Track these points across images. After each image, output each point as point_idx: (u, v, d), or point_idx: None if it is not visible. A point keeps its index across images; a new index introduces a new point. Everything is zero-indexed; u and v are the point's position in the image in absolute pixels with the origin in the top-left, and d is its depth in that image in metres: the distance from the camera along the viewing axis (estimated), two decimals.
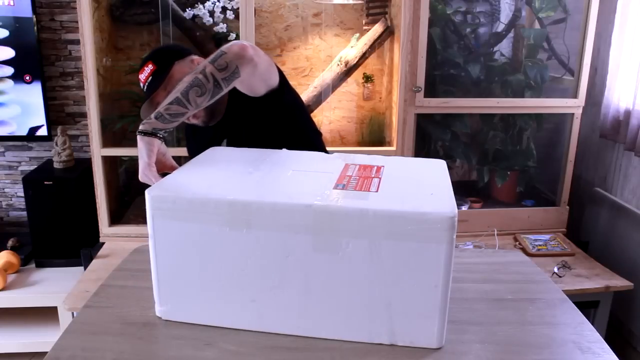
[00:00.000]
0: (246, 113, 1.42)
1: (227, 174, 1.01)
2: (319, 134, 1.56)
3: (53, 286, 2.17)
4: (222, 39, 2.40)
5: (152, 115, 1.08)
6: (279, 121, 1.40)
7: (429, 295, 0.86)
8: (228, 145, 1.45)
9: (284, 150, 1.15)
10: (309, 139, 1.49)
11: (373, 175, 0.99)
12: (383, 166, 1.05)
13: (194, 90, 1.08)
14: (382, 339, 0.89)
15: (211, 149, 1.18)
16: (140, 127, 1.07)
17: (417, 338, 0.89)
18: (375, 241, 0.83)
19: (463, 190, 2.65)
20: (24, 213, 2.47)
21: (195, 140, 1.57)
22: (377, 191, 0.91)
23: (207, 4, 2.35)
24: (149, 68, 1.36)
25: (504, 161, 2.59)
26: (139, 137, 1.06)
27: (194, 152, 1.48)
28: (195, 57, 1.43)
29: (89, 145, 2.25)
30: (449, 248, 0.83)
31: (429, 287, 0.85)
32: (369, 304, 0.87)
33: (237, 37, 2.27)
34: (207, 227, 0.88)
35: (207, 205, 0.87)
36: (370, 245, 0.84)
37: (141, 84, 1.40)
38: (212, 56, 1.14)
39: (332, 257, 0.85)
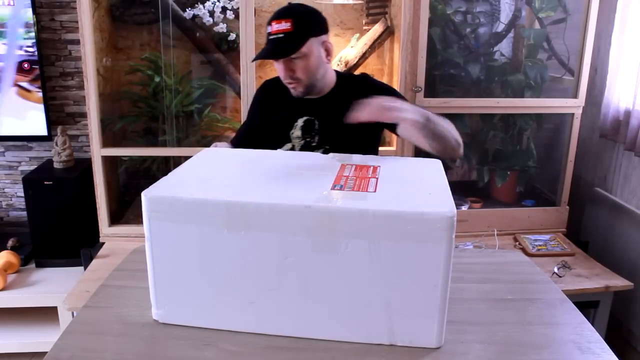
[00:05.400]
0: (345, 112, 1.46)
1: (224, 174, 1.01)
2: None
3: (53, 286, 2.17)
4: (222, 39, 2.40)
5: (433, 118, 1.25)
6: (368, 138, 1.50)
7: (428, 295, 0.86)
8: (303, 128, 1.50)
9: (279, 150, 1.16)
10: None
11: (370, 176, 0.99)
12: (379, 166, 1.05)
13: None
14: (382, 340, 0.89)
15: (205, 149, 1.18)
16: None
17: (416, 338, 0.89)
18: (374, 241, 0.83)
19: (463, 190, 2.64)
20: (24, 213, 2.47)
21: (267, 115, 1.58)
22: (375, 191, 0.91)
23: (207, 4, 2.35)
24: (286, 24, 1.36)
25: (504, 161, 2.59)
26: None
27: (253, 128, 1.59)
28: (326, 39, 1.46)
29: (89, 145, 2.25)
30: (449, 248, 0.83)
31: (428, 287, 0.85)
32: (369, 304, 0.87)
33: (237, 37, 2.27)
34: (204, 228, 0.87)
35: (204, 206, 0.87)
36: (369, 245, 0.84)
37: (268, 28, 1.40)
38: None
39: (331, 258, 0.85)
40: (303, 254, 0.86)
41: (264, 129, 1.58)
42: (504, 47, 2.59)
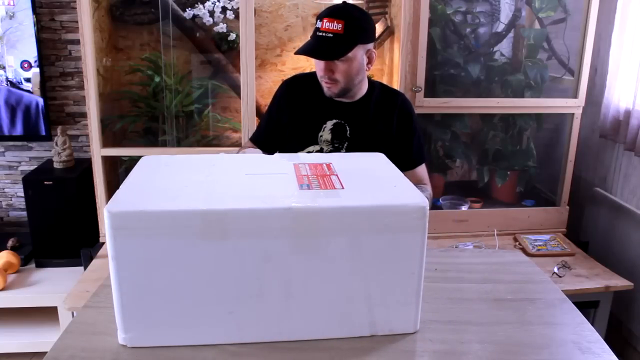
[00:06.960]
0: (377, 122, 1.49)
1: (182, 183, 0.93)
2: None
3: (53, 286, 2.17)
4: (222, 39, 2.40)
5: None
6: (396, 148, 1.48)
7: (406, 283, 0.88)
8: (333, 131, 1.49)
9: (222, 154, 1.12)
10: None
11: (328, 173, 0.98)
12: (331, 163, 1.04)
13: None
14: (364, 332, 0.90)
15: (145, 157, 1.06)
16: None
17: (396, 326, 0.91)
18: (354, 237, 0.84)
19: (463, 190, 2.64)
20: (24, 213, 2.47)
21: (295, 112, 1.55)
22: (343, 188, 0.91)
23: (207, 4, 2.35)
24: (338, 25, 1.34)
25: (504, 161, 2.59)
26: None
27: (274, 127, 1.57)
28: (371, 47, 1.45)
29: (89, 145, 2.25)
30: (423, 236, 0.86)
31: (406, 275, 0.88)
32: (350, 299, 0.88)
33: (237, 37, 2.27)
34: (177, 241, 0.81)
35: (177, 218, 0.81)
36: (349, 241, 0.84)
37: (318, 23, 1.38)
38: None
39: (312, 258, 0.85)
40: (283, 257, 0.84)
41: (292, 126, 1.54)
42: (504, 47, 2.59)
